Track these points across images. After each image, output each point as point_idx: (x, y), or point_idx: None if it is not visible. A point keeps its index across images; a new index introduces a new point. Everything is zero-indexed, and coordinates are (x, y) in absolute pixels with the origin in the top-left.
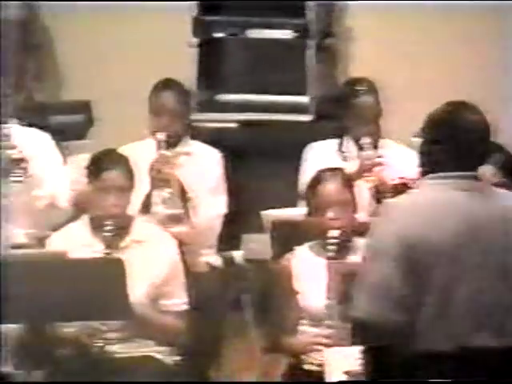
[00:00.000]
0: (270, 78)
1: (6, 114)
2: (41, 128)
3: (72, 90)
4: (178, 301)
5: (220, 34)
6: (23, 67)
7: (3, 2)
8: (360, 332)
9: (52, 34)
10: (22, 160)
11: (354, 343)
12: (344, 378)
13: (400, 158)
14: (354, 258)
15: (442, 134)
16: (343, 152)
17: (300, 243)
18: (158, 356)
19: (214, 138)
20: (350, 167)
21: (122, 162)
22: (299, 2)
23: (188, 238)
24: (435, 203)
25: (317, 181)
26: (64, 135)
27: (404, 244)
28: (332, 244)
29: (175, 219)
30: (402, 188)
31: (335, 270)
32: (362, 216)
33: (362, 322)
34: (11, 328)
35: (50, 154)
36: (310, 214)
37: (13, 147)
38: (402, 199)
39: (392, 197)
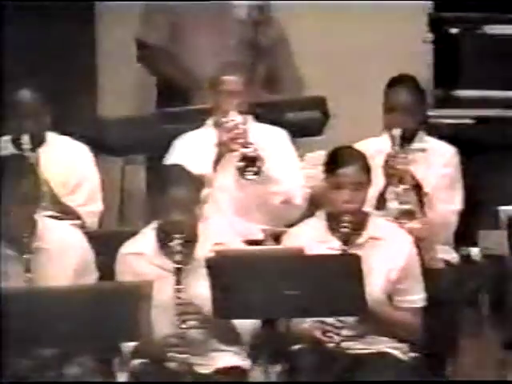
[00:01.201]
0: (506, 74)
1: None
2: (277, 125)
3: (308, 87)
4: (415, 297)
5: (456, 30)
6: (254, 66)
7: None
8: None
9: (286, 32)
10: (257, 158)
11: None
12: None
13: None
14: None
15: None
16: None
17: None
18: (394, 352)
19: (449, 134)
20: None
21: (359, 158)
22: None
23: (423, 234)
24: None
25: None
26: (300, 131)
27: None
28: None
29: (410, 215)
30: None
31: None
32: None
33: None
34: (247, 323)
35: (286, 151)
36: None
37: (249, 145)
38: None
39: None
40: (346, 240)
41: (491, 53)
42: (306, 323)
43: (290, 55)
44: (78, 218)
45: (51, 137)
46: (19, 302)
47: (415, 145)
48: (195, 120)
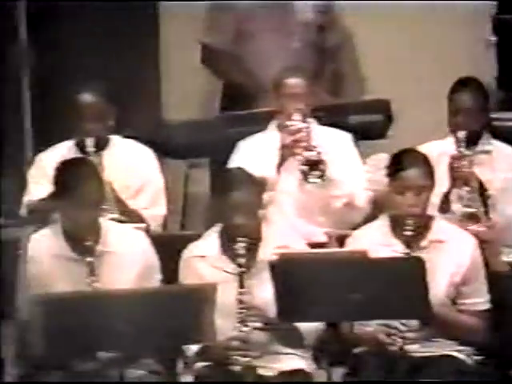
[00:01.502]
0: None
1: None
2: (341, 128)
3: (372, 89)
4: (479, 300)
5: None
6: (319, 68)
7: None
8: None
9: (350, 35)
10: (320, 162)
11: None
12: None
13: None
14: None
15: None
16: None
17: None
18: (459, 355)
19: None
20: None
21: (423, 161)
22: None
23: (487, 237)
24: None
25: None
26: (363, 134)
27: None
28: None
29: (474, 217)
30: None
31: None
32: None
33: None
34: (311, 326)
35: (349, 154)
36: None
37: (312, 148)
38: None
39: None
40: (410, 243)
41: None
42: (370, 326)
43: (354, 57)
44: (142, 221)
45: (115, 140)
46: (83, 305)
47: (480, 147)
48: (259, 123)
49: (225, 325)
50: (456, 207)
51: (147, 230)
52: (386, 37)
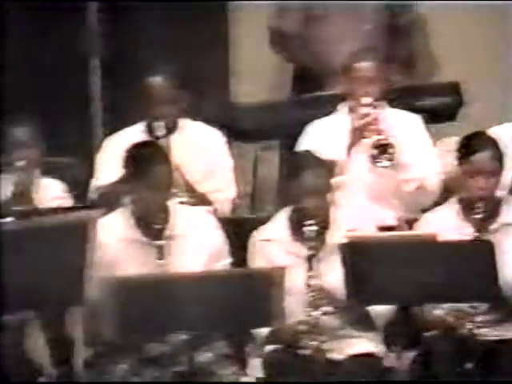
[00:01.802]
0: None
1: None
2: (411, 110)
3: (443, 72)
4: None
5: None
6: (390, 51)
7: None
8: None
9: (424, 17)
10: (390, 145)
11: None
12: None
13: None
14: None
15: None
16: None
17: None
18: None
19: None
20: None
21: (493, 144)
22: None
23: None
24: None
25: None
26: (434, 117)
27: None
28: None
29: None
30: None
31: None
32: None
33: None
34: (381, 309)
35: (420, 137)
36: None
37: (382, 132)
38: None
39: None
40: (480, 226)
41: None
42: (440, 309)
43: (426, 34)
44: (211, 204)
45: (184, 123)
46: (153, 288)
47: None
48: (329, 106)
49: (294, 308)
50: None
51: (216, 213)
52: (457, 17)
